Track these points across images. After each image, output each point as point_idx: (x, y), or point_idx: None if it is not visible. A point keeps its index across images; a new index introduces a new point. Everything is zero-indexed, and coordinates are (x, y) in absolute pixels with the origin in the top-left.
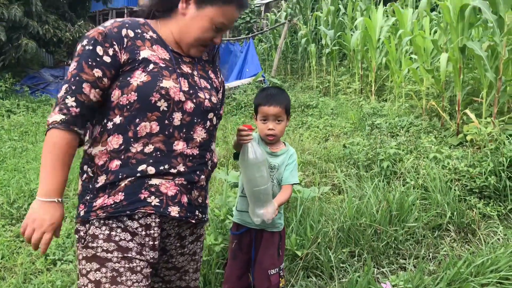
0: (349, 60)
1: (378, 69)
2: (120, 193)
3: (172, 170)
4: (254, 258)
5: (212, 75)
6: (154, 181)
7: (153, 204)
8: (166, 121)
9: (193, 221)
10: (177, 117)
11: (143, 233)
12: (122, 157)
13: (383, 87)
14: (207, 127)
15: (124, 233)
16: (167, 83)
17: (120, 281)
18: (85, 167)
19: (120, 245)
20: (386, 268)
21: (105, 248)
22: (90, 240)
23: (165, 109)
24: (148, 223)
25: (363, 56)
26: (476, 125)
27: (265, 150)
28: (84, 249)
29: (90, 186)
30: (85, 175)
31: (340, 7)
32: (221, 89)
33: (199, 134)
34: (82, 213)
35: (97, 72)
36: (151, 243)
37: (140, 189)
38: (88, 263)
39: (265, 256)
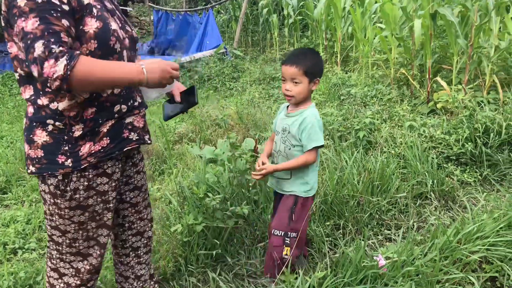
0: (312, 30)
1: (343, 39)
2: (104, 138)
3: (136, 104)
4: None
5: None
6: (129, 119)
7: (134, 139)
8: (122, 61)
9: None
10: (126, 54)
11: (118, 167)
12: (96, 103)
13: (347, 58)
14: (136, 56)
15: (101, 177)
16: (113, 24)
17: (99, 218)
18: (49, 121)
19: (98, 190)
20: (373, 239)
21: (86, 196)
22: (72, 193)
23: (119, 50)
24: (121, 156)
25: (328, 25)
26: (447, 92)
27: (285, 112)
28: (68, 201)
29: (66, 137)
30: (51, 127)
31: None
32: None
33: None
34: (68, 163)
35: (65, 22)
36: (120, 169)
37: (122, 129)
38: (72, 211)
39: (276, 215)
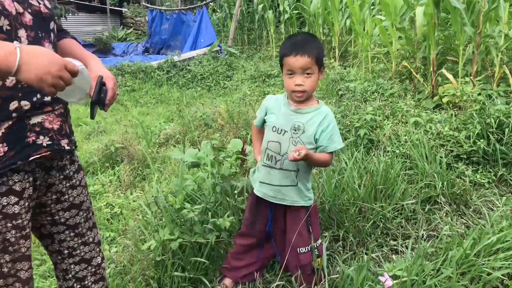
0: (309, 25)
1: (341, 34)
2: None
3: (46, 98)
4: (272, 231)
5: None
6: (35, 119)
7: (44, 144)
8: (15, 42)
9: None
10: (23, 35)
11: (28, 181)
12: None
13: (346, 53)
14: (52, 41)
15: (7, 197)
16: None
17: (13, 250)
18: None
19: (6, 213)
20: (376, 253)
21: None
22: None
23: (8, 28)
24: (32, 167)
25: (325, 19)
26: (453, 85)
27: (288, 108)
28: None
29: None
30: None
31: None
32: None
33: None
34: None
35: None
36: (32, 184)
37: (24, 132)
38: None
39: (292, 233)
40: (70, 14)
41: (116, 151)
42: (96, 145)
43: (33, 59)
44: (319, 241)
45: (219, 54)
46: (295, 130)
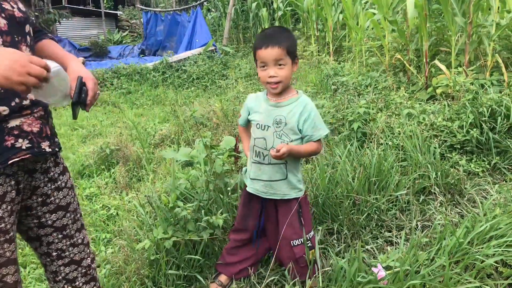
0: (303, 22)
1: (334, 29)
2: None
3: (25, 102)
4: (263, 227)
5: None
6: (14, 122)
7: (24, 147)
8: None
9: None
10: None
11: (10, 185)
12: None
13: (340, 48)
14: (29, 44)
15: None
16: None
17: None
18: None
19: None
20: (371, 245)
21: None
22: None
23: None
24: (14, 171)
25: (318, 15)
26: (447, 76)
27: (268, 103)
28: None
29: None
30: None
31: None
32: None
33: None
34: None
35: None
36: (14, 187)
37: (2, 136)
38: None
39: (284, 226)
40: (64, 19)
41: (112, 153)
42: (92, 148)
43: None
44: (311, 233)
45: (214, 53)
46: (277, 124)
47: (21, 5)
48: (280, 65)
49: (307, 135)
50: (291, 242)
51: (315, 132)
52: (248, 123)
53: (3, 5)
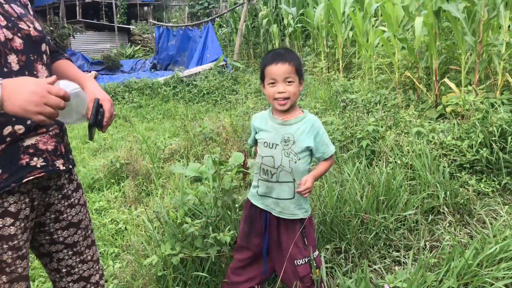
0: (313, 39)
1: (344, 46)
2: None
3: None
4: (267, 245)
5: None
6: (29, 141)
7: (39, 166)
8: (5, 69)
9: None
10: (13, 60)
11: (24, 202)
12: None
13: (350, 65)
14: (45, 63)
15: (2, 219)
16: None
17: (10, 271)
18: None
19: (3, 235)
20: (378, 265)
21: None
22: None
23: None
24: (29, 188)
25: (328, 32)
26: (456, 94)
27: (275, 121)
28: None
29: None
30: None
31: None
32: (28, 3)
33: (42, 72)
34: None
35: None
36: (29, 205)
37: (18, 155)
38: None
39: (287, 245)
40: (78, 33)
41: (122, 167)
42: (102, 161)
43: (13, 93)
44: (316, 252)
45: (225, 68)
46: (286, 142)
47: (37, 24)
48: (289, 82)
49: (320, 154)
50: (295, 261)
51: (327, 150)
52: (256, 142)
53: (20, 25)
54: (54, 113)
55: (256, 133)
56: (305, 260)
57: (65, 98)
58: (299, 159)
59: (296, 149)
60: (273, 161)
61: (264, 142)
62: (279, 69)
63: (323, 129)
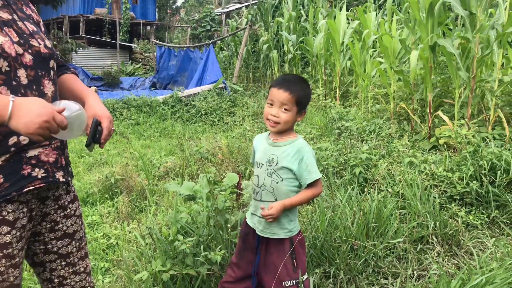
0: (312, 66)
1: (342, 75)
2: None
3: None
4: (258, 263)
5: (28, 11)
6: (32, 152)
7: (39, 176)
8: (14, 82)
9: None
10: (22, 74)
11: (23, 211)
12: None
13: (347, 93)
14: (52, 78)
15: (0, 227)
16: None
17: (1, 279)
18: None
19: None
20: None
21: None
22: None
23: (7, 69)
24: (28, 198)
25: (327, 60)
26: (449, 127)
27: (267, 141)
28: None
29: None
30: None
31: (302, 12)
32: (40, 21)
33: (49, 88)
34: None
35: None
36: (26, 214)
37: (20, 165)
38: None
39: (276, 265)
40: (81, 49)
41: (116, 182)
42: (97, 176)
43: (22, 112)
44: (306, 275)
45: (223, 90)
46: (270, 163)
47: (48, 42)
48: (285, 109)
49: (302, 179)
50: (283, 282)
51: (310, 175)
52: None
53: (31, 42)
54: (51, 136)
55: (254, 152)
56: (293, 282)
57: (64, 128)
58: (282, 180)
59: (278, 170)
60: (257, 180)
61: (256, 162)
62: (279, 94)
63: (310, 156)
